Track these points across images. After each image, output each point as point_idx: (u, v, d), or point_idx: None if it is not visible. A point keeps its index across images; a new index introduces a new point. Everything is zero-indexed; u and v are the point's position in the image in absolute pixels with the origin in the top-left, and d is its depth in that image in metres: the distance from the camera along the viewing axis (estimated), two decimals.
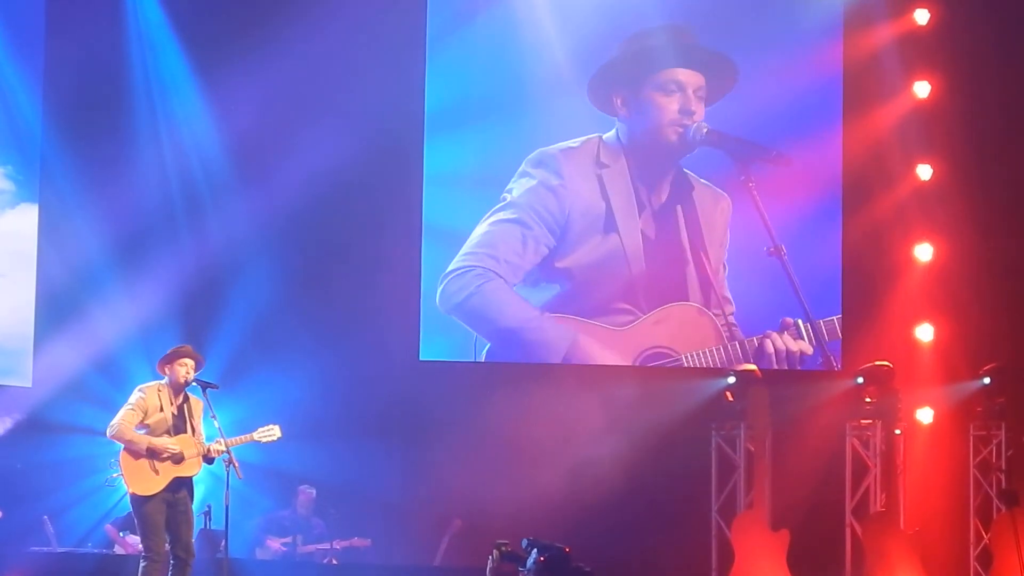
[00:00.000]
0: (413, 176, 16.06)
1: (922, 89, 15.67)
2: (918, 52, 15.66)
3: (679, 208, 15.92)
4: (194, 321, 15.60)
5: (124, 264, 15.80)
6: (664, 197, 15.95)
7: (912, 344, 15.55)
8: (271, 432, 12.45)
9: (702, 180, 15.94)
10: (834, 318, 15.69)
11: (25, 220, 15.97)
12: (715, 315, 15.78)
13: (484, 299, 15.89)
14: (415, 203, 16.07)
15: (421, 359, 16.01)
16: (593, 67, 15.96)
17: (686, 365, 15.76)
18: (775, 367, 15.59)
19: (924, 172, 15.63)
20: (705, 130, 15.79)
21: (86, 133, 15.93)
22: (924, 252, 15.62)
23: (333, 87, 15.80)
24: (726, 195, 15.90)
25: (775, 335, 15.65)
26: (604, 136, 16.00)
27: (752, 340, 15.71)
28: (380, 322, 15.86)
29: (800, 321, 15.65)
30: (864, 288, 15.68)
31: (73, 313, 15.74)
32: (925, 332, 15.55)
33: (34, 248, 15.98)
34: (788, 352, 15.63)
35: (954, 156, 15.57)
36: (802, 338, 15.66)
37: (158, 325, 15.34)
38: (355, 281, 15.96)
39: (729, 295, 15.81)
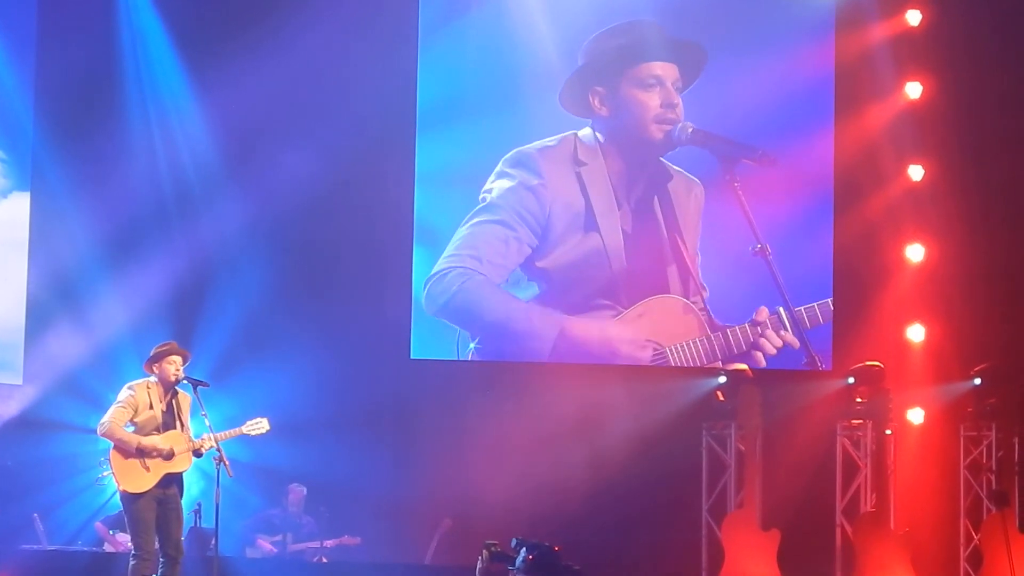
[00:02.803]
0: (404, 174, 16.06)
1: (914, 90, 15.67)
2: (910, 53, 15.65)
3: (656, 201, 15.92)
4: (185, 318, 15.59)
5: (115, 261, 15.81)
6: (641, 191, 15.95)
7: (903, 344, 15.55)
8: (259, 425, 12.46)
9: (675, 167, 15.94)
10: (828, 301, 15.65)
11: (17, 211, 15.96)
12: (693, 302, 15.78)
13: (468, 296, 15.88)
14: (406, 201, 16.07)
15: (412, 357, 16.01)
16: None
17: (670, 357, 15.74)
18: (762, 365, 15.59)
19: (916, 173, 15.63)
20: (690, 130, 15.79)
21: (78, 130, 15.94)
22: (915, 252, 15.62)
23: (324, 84, 15.81)
24: (698, 182, 15.90)
25: (764, 334, 15.63)
26: (580, 133, 15.98)
27: (735, 329, 15.70)
28: (371, 320, 15.86)
29: (781, 309, 15.63)
30: (855, 288, 15.67)
31: (64, 311, 15.75)
32: (916, 332, 15.54)
33: (25, 242, 15.96)
34: (773, 344, 15.63)
35: (946, 157, 15.57)
36: (786, 329, 15.65)
37: (149, 322, 15.34)
38: (346, 279, 15.96)
39: (703, 282, 15.81)
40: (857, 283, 15.69)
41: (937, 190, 15.57)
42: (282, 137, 15.76)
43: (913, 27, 15.65)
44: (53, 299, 15.82)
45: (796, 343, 15.64)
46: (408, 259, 16.03)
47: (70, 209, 15.86)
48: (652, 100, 15.83)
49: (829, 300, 15.66)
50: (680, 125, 15.79)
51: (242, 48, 15.48)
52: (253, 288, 15.74)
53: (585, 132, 15.97)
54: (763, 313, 15.66)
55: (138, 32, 16.19)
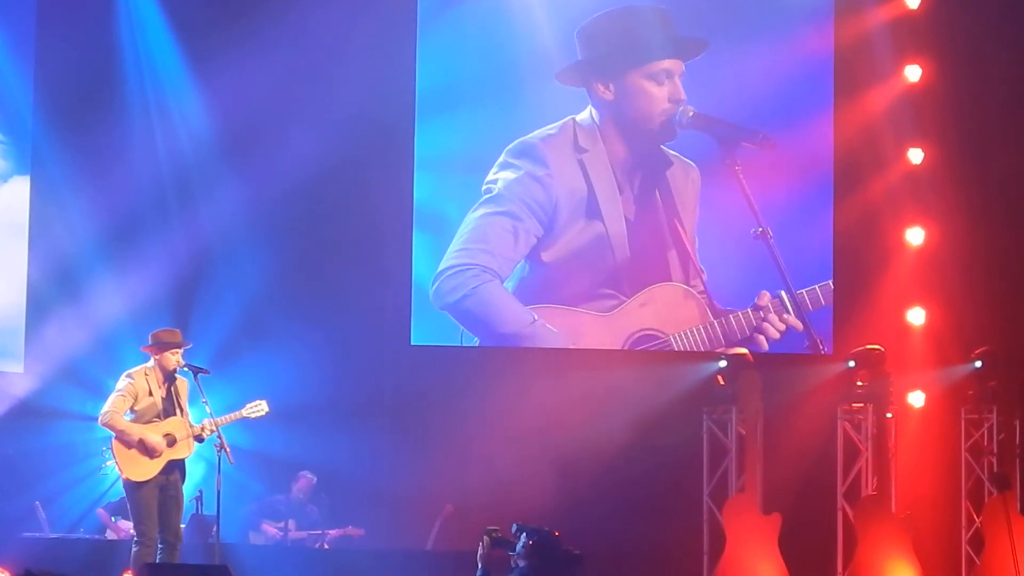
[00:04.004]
0: (404, 160, 16.03)
1: (913, 73, 15.65)
2: (909, 36, 15.65)
3: (656, 188, 15.92)
4: (186, 306, 15.59)
5: (116, 249, 15.77)
6: (641, 178, 15.94)
7: (904, 328, 15.55)
8: (259, 407, 12.55)
9: (671, 152, 15.93)
10: (828, 283, 15.63)
11: (17, 195, 15.95)
12: (693, 286, 15.79)
13: (480, 301, 15.83)
14: (406, 187, 16.05)
15: (412, 344, 16.01)
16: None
17: (675, 345, 15.75)
18: (765, 349, 15.60)
19: (915, 156, 15.62)
20: (691, 113, 15.78)
21: (77, 116, 15.89)
22: (915, 236, 15.62)
23: (323, 72, 15.76)
24: (695, 165, 15.89)
25: (767, 319, 15.63)
26: (578, 118, 15.96)
27: (737, 315, 15.70)
28: (371, 307, 15.85)
29: (783, 292, 15.64)
30: (855, 271, 15.67)
31: (65, 298, 15.74)
32: (916, 316, 15.55)
33: (25, 226, 15.95)
34: (775, 327, 15.63)
35: (945, 140, 15.57)
36: (788, 312, 15.65)
37: (150, 309, 15.33)
38: (346, 266, 15.94)
39: (701, 265, 15.81)
40: (857, 266, 15.70)
41: (937, 173, 15.57)
42: (281, 124, 15.72)
43: (912, 10, 15.63)
44: (54, 287, 15.79)
45: (799, 325, 15.64)
46: (408, 246, 16.00)
47: (70, 196, 15.83)
48: (661, 93, 15.83)
49: (829, 282, 15.66)
50: (681, 109, 15.79)
51: (241, 36, 15.46)
52: (253, 275, 15.72)
53: (583, 116, 15.95)
54: (765, 297, 15.67)
55: (137, 18, 16.15)
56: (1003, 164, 15.60)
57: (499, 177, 15.98)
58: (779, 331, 15.64)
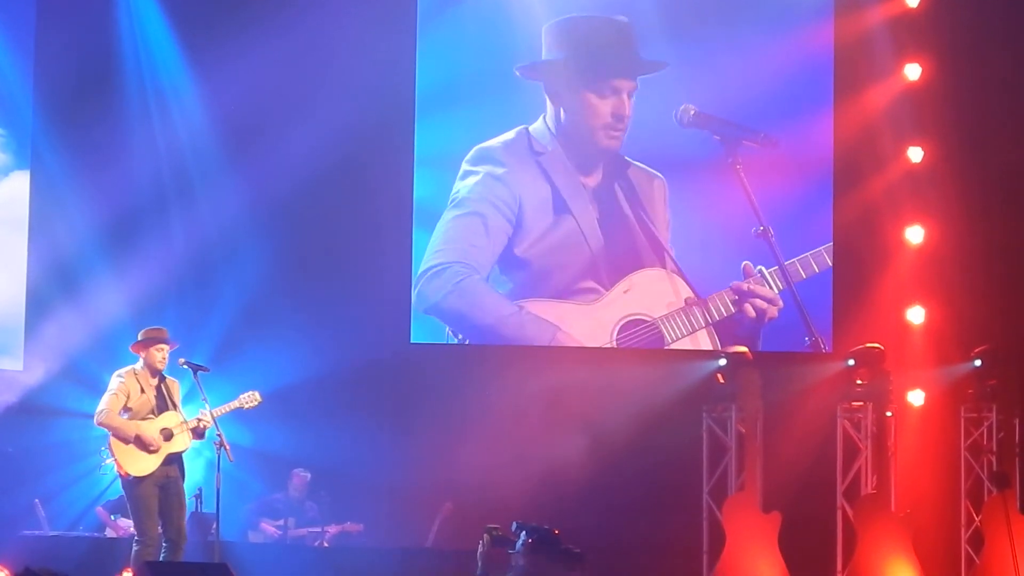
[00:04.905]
0: (404, 158, 16.04)
1: (913, 71, 15.65)
2: (909, 34, 15.64)
3: (616, 186, 15.92)
4: (185, 303, 15.62)
5: (116, 245, 15.78)
6: (600, 178, 15.95)
7: (903, 326, 15.55)
8: (253, 397, 12.63)
9: (636, 162, 15.93)
10: (819, 251, 15.68)
11: (17, 190, 15.93)
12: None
13: (462, 297, 15.83)
14: (406, 185, 16.05)
15: (412, 342, 16.01)
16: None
17: (663, 329, 15.71)
18: (752, 316, 15.59)
19: (915, 154, 15.61)
20: (692, 112, 15.78)
21: (76, 112, 15.89)
22: (915, 234, 15.61)
23: (323, 69, 15.76)
24: (660, 176, 15.90)
25: (752, 288, 15.65)
26: (531, 127, 15.97)
27: (721, 293, 15.69)
28: (371, 304, 15.84)
29: (763, 268, 15.64)
30: (855, 269, 15.68)
31: (64, 296, 15.74)
32: (916, 314, 15.54)
33: (25, 222, 15.94)
34: (759, 296, 15.61)
35: (945, 138, 15.56)
36: (767, 284, 15.66)
37: (150, 306, 15.33)
38: (346, 263, 15.94)
39: (682, 270, 15.81)
40: (857, 265, 15.70)
41: (937, 171, 15.56)
42: (281, 121, 15.70)
43: (912, 8, 15.62)
44: (53, 284, 15.80)
45: (774, 293, 15.57)
46: (408, 243, 16.00)
47: (70, 191, 15.84)
48: (604, 108, 15.84)
49: (821, 249, 15.63)
50: (682, 107, 15.80)
51: (241, 31, 15.45)
52: (252, 272, 15.72)
53: (537, 126, 15.96)
54: (748, 269, 15.65)
55: (136, 13, 16.15)
56: (1003, 162, 15.59)
57: (461, 186, 16.00)
58: (763, 298, 15.60)
